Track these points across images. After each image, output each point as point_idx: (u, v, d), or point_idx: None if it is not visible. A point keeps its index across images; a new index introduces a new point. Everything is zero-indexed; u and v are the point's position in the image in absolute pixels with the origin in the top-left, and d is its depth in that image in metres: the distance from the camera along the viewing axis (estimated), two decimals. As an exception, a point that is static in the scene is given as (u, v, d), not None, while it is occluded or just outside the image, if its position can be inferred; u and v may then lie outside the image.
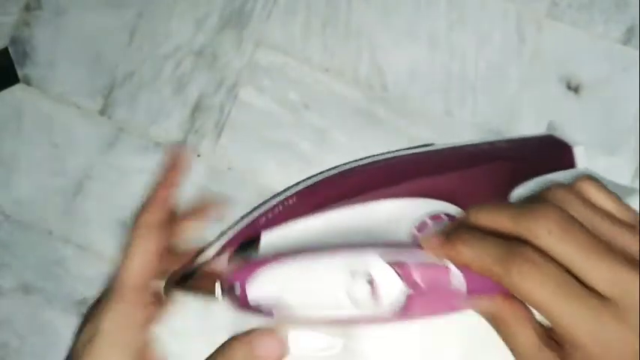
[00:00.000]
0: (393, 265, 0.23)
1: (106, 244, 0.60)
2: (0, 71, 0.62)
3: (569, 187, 0.25)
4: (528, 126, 0.58)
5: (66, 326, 0.60)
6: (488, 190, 0.28)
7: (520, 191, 0.26)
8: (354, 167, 0.28)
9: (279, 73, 0.60)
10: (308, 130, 0.59)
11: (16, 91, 0.62)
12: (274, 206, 0.28)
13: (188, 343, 0.59)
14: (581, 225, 0.23)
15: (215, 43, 0.61)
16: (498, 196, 0.27)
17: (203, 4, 0.61)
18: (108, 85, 0.61)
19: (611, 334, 0.22)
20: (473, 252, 0.24)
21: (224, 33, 0.61)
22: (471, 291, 0.24)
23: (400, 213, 0.25)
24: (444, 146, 0.30)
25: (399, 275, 0.23)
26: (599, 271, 0.22)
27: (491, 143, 0.30)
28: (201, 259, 0.26)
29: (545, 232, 0.22)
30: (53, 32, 0.62)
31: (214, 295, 0.25)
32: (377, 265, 0.24)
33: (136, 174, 0.60)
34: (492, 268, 0.23)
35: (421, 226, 0.25)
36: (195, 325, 0.59)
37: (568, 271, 0.22)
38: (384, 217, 0.26)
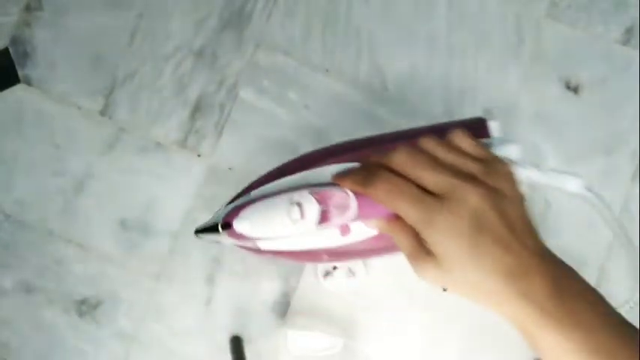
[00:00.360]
0: (314, 194, 0.38)
1: (107, 243, 0.60)
2: (0, 71, 0.62)
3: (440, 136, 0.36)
4: (527, 126, 0.58)
5: (67, 326, 0.60)
6: None
7: None
8: (326, 147, 0.46)
9: (280, 73, 0.60)
10: (308, 130, 0.59)
11: (16, 91, 0.62)
12: (260, 176, 0.46)
13: (188, 343, 0.59)
14: (427, 154, 0.34)
15: (215, 43, 0.61)
16: None
17: (203, 6, 0.61)
18: (108, 86, 0.61)
19: (440, 219, 0.32)
20: (352, 180, 0.36)
21: (224, 34, 0.61)
22: (363, 210, 0.37)
23: (334, 169, 0.40)
24: (396, 130, 0.45)
25: (316, 200, 0.38)
26: (434, 179, 0.33)
27: (432, 126, 0.45)
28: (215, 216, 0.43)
29: (397, 159, 0.34)
30: (54, 33, 0.62)
31: (219, 232, 0.42)
32: (305, 196, 0.39)
33: (137, 174, 0.60)
34: (360, 187, 0.35)
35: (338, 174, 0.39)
36: (195, 325, 0.59)
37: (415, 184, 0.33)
38: (326, 172, 0.40)
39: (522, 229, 0.33)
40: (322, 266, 0.58)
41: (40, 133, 0.62)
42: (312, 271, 0.58)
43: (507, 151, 0.39)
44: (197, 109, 0.61)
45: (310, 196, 0.38)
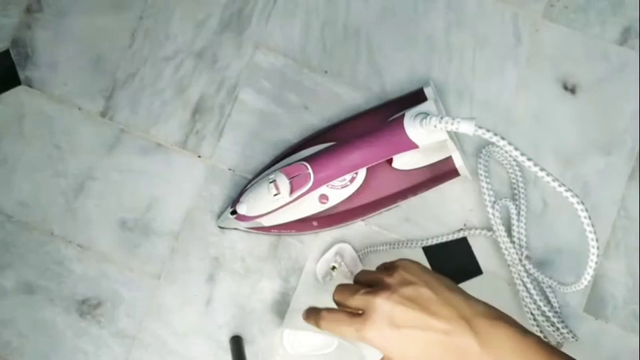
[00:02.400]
0: (283, 171, 0.49)
1: (108, 244, 0.60)
2: (1, 73, 0.63)
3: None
4: (524, 126, 0.58)
5: (67, 326, 0.60)
6: (365, 127, 0.51)
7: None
8: (308, 135, 0.58)
9: (279, 74, 0.60)
10: (307, 131, 0.59)
11: (17, 92, 0.62)
12: (262, 168, 0.58)
13: (188, 343, 0.59)
14: (353, 284, 0.45)
15: (215, 45, 0.61)
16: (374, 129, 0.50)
17: (203, 7, 0.62)
18: (109, 87, 0.62)
19: (367, 333, 0.40)
20: (307, 319, 0.45)
21: (224, 35, 0.61)
22: (318, 177, 0.49)
23: (308, 152, 0.53)
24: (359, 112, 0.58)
25: (285, 175, 0.49)
26: (354, 303, 0.42)
27: (384, 103, 0.57)
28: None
29: (334, 295, 0.45)
30: (54, 34, 0.63)
31: (232, 220, 0.52)
32: (277, 174, 0.49)
33: (138, 175, 0.61)
34: (314, 323, 0.44)
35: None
36: (195, 324, 0.59)
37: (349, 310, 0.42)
38: (303, 154, 0.53)
39: (436, 304, 0.39)
40: (321, 267, 0.58)
41: (40, 135, 0.62)
42: (312, 271, 0.59)
43: (421, 108, 0.48)
44: (197, 110, 0.61)
45: (281, 173, 0.49)
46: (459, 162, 0.53)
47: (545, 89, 0.59)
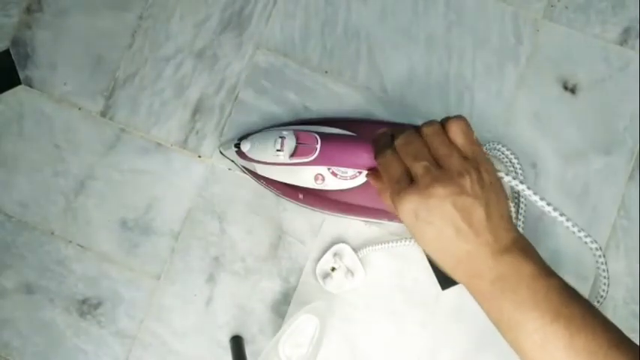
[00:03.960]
0: (295, 132, 0.51)
1: (108, 244, 0.60)
2: (1, 73, 0.63)
3: (441, 122, 0.43)
4: (524, 126, 0.58)
5: (68, 326, 0.60)
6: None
7: None
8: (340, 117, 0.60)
9: (279, 74, 0.60)
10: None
11: (17, 92, 0.62)
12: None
13: (188, 343, 0.59)
14: (421, 141, 0.41)
15: (215, 45, 0.61)
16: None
17: (203, 7, 0.62)
18: (109, 87, 0.62)
19: (403, 202, 0.40)
20: (373, 149, 0.47)
21: (224, 35, 0.61)
22: (323, 156, 0.50)
23: (328, 130, 0.54)
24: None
25: (296, 137, 0.50)
26: (414, 168, 0.40)
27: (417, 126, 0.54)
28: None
29: (398, 142, 0.42)
30: (54, 34, 0.63)
31: (233, 152, 0.55)
32: (289, 133, 0.51)
33: (138, 175, 0.61)
34: (374, 155, 0.45)
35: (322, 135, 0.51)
36: (195, 324, 0.59)
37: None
38: (324, 130, 0.54)
39: (483, 226, 0.39)
40: (321, 268, 0.58)
41: (40, 134, 0.62)
42: (312, 271, 0.59)
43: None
44: (197, 110, 0.61)
45: (292, 133, 0.51)
46: None
47: (545, 89, 0.59)
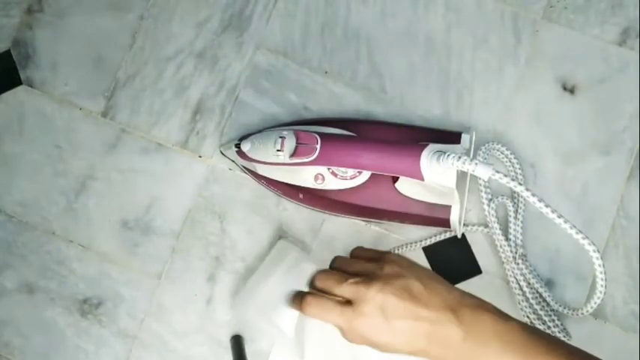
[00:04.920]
0: (295, 132, 0.51)
1: (109, 244, 0.61)
2: (2, 73, 0.63)
3: (351, 253, 0.50)
4: (524, 126, 0.58)
5: (68, 325, 0.60)
6: (390, 138, 0.55)
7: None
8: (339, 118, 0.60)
9: (279, 75, 0.61)
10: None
11: (18, 93, 0.63)
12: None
13: (189, 342, 0.59)
14: (337, 271, 0.46)
15: (216, 45, 0.61)
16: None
17: (204, 8, 0.62)
18: (110, 87, 0.62)
19: (357, 323, 0.42)
20: (292, 305, 0.48)
21: (225, 36, 0.61)
22: (323, 157, 0.49)
23: (331, 131, 0.54)
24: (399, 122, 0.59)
25: (296, 137, 0.50)
26: (343, 292, 0.43)
27: (416, 126, 0.58)
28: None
29: (318, 282, 0.46)
30: (55, 35, 0.63)
31: (233, 152, 0.55)
32: (289, 133, 0.50)
33: (138, 175, 0.61)
34: (299, 309, 0.45)
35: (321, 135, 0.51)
36: (196, 324, 0.59)
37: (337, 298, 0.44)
38: (324, 130, 0.54)
39: (425, 295, 0.41)
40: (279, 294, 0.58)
41: (41, 135, 0.62)
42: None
43: (446, 147, 0.47)
44: (198, 111, 0.61)
45: (292, 133, 0.50)
46: (454, 215, 0.52)
47: (544, 89, 0.59)
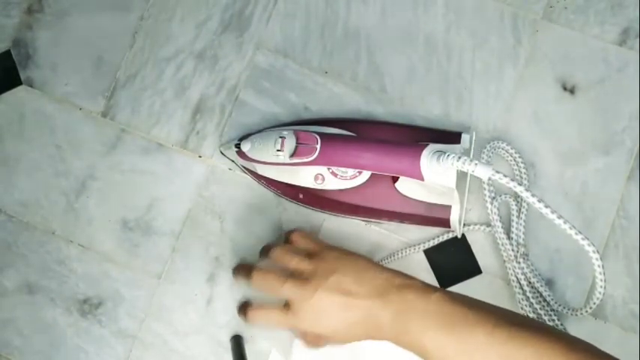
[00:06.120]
0: (295, 132, 0.51)
1: (109, 244, 0.61)
2: (2, 73, 0.63)
3: (286, 238, 0.52)
4: (523, 126, 0.58)
5: (68, 325, 0.60)
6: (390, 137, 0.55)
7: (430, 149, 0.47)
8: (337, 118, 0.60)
9: (279, 75, 0.61)
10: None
11: (18, 93, 0.63)
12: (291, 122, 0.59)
13: (189, 342, 0.60)
14: (275, 272, 0.47)
15: (216, 45, 0.61)
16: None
17: (204, 8, 0.62)
18: (110, 87, 0.62)
19: (299, 323, 0.45)
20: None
21: (225, 36, 0.61)
22: (323, 157, 0.49)
23: (331, 130, 0.55)
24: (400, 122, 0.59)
25: (296, 137, 0.50)
26: (283, 293, 0.45)
27: (418, 127, 0.58)
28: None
29: (254, 284, 0.48)
30: (55, 35, 0.63)
31: (233, 152, 0.56)
32: (289, 133, 0.51)
33: (139, 175, 0.61)
34: (244, 319, 0.50)
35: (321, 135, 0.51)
36: (196, 324, 0.59)
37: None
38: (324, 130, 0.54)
39: (356, 287, 0.44)
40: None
41: (41, 135, 0.62)
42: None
43: (446, 147, 0.47)
44: (198, 111, 0.61)
45: (292, 133, 0.50)
46: (454, 215, 0.53)
47: (544, 90, 0.59)
